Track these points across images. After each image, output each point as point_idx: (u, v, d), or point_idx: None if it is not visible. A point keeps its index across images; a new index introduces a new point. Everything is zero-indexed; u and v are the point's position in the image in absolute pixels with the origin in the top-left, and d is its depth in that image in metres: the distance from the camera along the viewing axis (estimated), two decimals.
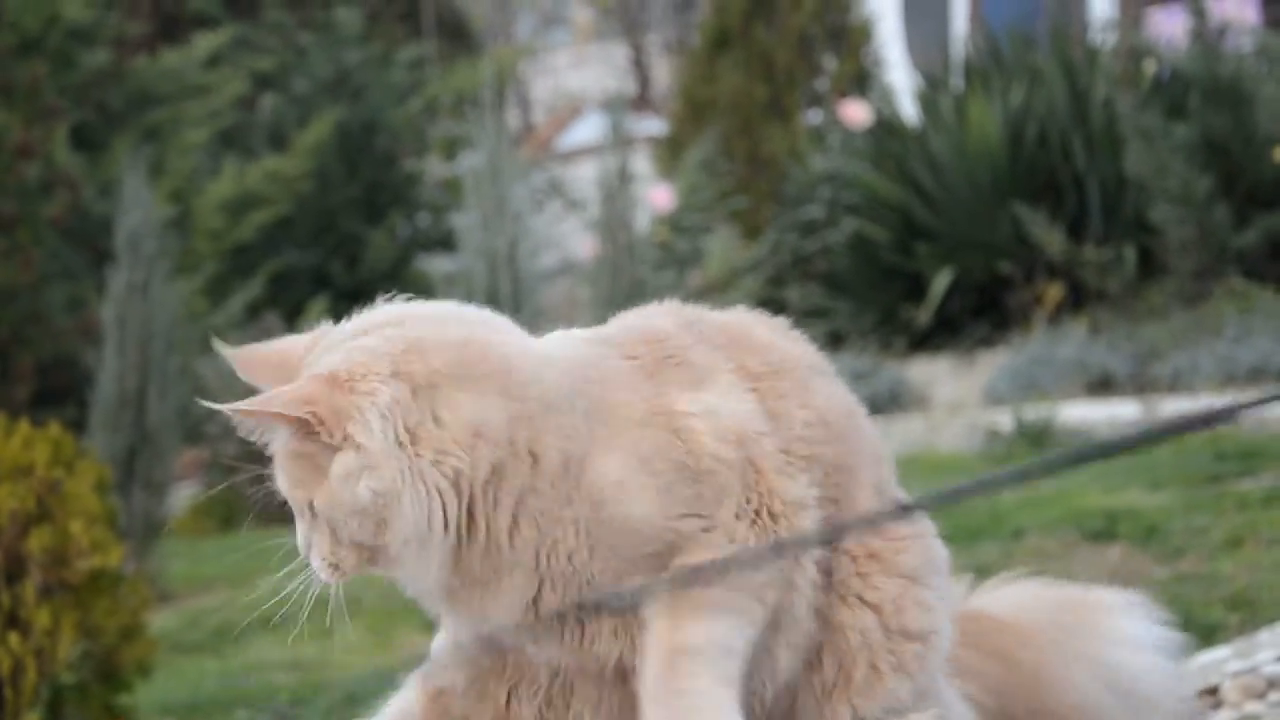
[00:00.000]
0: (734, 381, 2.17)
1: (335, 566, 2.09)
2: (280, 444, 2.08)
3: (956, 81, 10.54)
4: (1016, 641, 2.48)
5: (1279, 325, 8.03)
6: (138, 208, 6.73)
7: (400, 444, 2.03)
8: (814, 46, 12.01)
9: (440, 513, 2.04)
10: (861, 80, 11.74)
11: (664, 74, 19.91)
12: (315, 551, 2.09)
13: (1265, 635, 3.35)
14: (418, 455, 2.03)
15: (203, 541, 7.99)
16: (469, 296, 5.90)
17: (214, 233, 11.47)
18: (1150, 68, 9.82)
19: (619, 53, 21.47)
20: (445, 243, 12.66)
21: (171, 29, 14.02)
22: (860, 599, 2.19)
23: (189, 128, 11.75)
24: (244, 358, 2.16)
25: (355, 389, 2.04)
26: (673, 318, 2.24)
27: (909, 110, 10.91)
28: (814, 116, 11.80)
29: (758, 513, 2.12)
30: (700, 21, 13.37)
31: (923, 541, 2.27)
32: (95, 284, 8.59)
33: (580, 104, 20.14)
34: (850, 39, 12.12)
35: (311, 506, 2.06)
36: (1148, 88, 9.63)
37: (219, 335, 9.95)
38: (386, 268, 13.26)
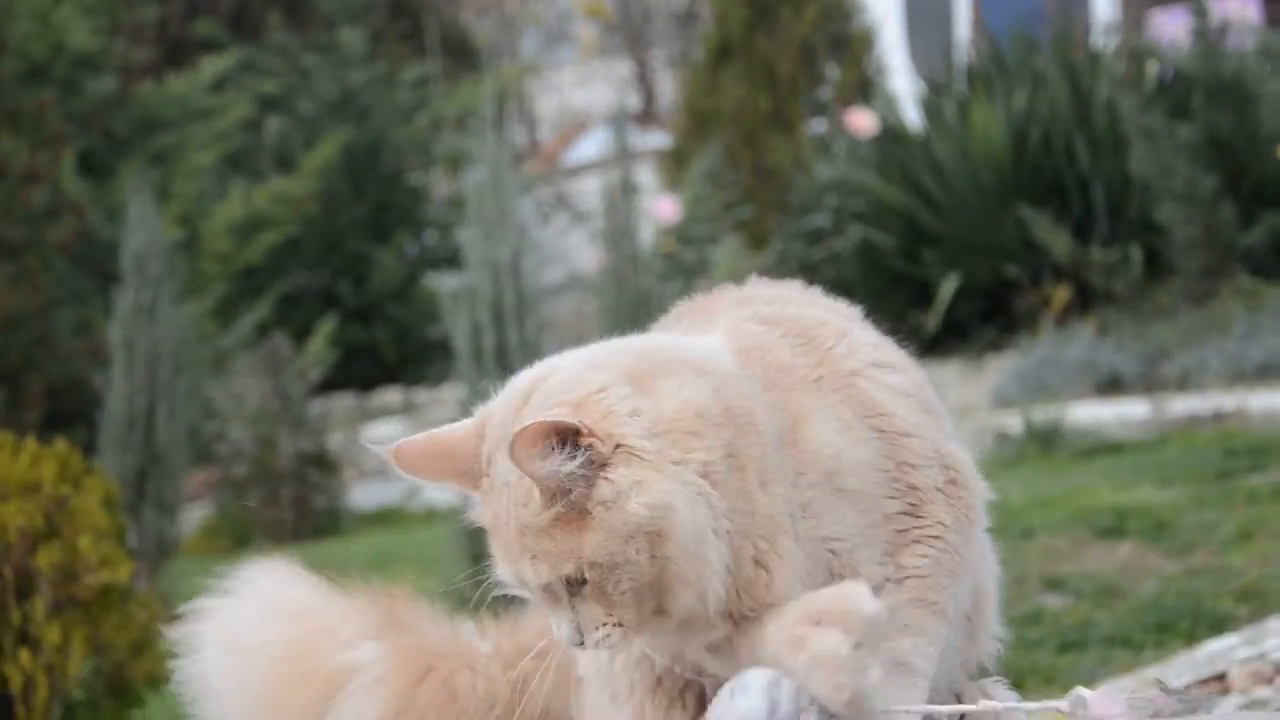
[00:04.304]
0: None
1: (618, 626, 1.91)
2: (530, 516, 1.89)
3: (960, 87, 10.54)
4: None
5: None
6: (143, 229, 6.76)
7: (653, 448, 1.89)
8: (816, 55, 12.02)
9: (706, 506, 1.90)
10: (865, 88, 11.74)
11: (668, 88, 19.94)
12: (588, 628, 1.92)
13: (1274, 623, 3.34)
14: (667, 455, 1.89)
15: (215, 561, 8.00)
16: (473, 309, 5.91)
17: (222, 255, 11.50)
18: (1153, 69, 9.82)
19: (623, 68, 21.52)
20: (452, 260, 12.68)
21: (176, 54, 14.07)
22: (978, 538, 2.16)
23: (195, 151, 11.79)
24: (406, 452, 1.96)
25: (592, 403, 1.89)
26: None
27: (913, 117, 10.91)
28: (818, 125, 11.80)
29: (950, 483, 2.07)
30: (702, 34, 13.39)
31: None
32: (103, 308, 8.62)
33: (586, 120, 20.17)
34: (852, 47, 12.13)
35: (575, 576, 1.89)
36: (1151, 89, 9.63)
37: (228, 356, 9.89)
38: (395, 286, 13.28)
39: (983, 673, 2.23)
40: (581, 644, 1.93)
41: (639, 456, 1.88)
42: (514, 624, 2.35)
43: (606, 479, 1.87)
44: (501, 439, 1.92)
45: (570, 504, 1.87)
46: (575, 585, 1.91)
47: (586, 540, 1.87)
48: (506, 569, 1.94)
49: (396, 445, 1.98)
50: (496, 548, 1.96)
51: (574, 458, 1.86)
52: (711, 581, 1.92)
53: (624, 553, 1.87)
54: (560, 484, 1.87)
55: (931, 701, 2.03)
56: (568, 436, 1.86)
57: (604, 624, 1.91)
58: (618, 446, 1.88)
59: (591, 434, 1.87)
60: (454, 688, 2.24)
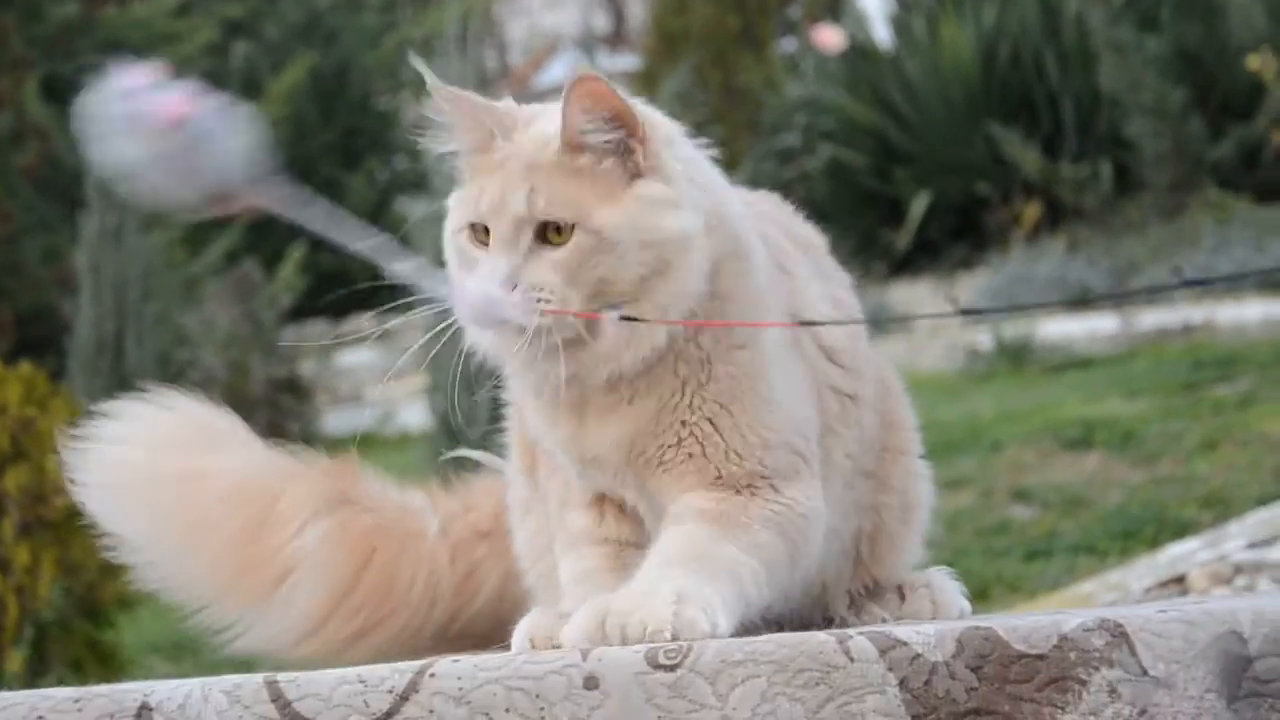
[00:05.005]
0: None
1: (547, 303, 1.85)
2: (551, 153, 1.89)
3: (929, 3, 10.49)
4: None
5: (1255, 234, 8.04)
6: None
7: (696, 185, 1.93)
8: None
9: (704, 270, 1.90)
10: (834, 6, 11.68)
11: (638, 9, 19.81)
12: (527, 284, 1.86)
13: (1234, 527, 3.38)
14: (695, 180, 1.93)
15: None
16: (440, 229, 5.88)
17: None
18: None
19: None
20: (422, 185, 12.63)
21: None
22: (886, 484, 2.17)
23: None
24: (453, 95, 1.96)
25: (655, 117, 1.94)
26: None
27: (883, 34, 10.87)
28: (788, 45, 11.75)
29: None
30: None
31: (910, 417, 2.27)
32: (71, 235, 8.58)
33: (556, 43, 20.05)
34: None
35: (562, 227, 1.86)
36: (1120, 2, 9.61)
37: (198, 284, 9.82)
38: (366, 211, 13.22)
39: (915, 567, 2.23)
40: (505, 293, 1.86)
41: (678, 180, 1.91)
42: (465, 498, 2.36)
43: (649, 184, 1.89)
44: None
45: (600, 168, 1.88)
46: (548, 239, 1.88)
47: (607, 214, 1.87)
48: (487, 197, 1.89)
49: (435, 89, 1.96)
50: (481, 182, 1.92)
51: (619, 129, 1.88)
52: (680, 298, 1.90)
53: (626, 255, 1.86)
54: (597, 144, 1.88)
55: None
56: (622, 116, 1.88)
57: (544, 289, 1.86)
58: (655, 163, 1.90)
59: (641, 137, 1.89)
60: (392, 577, 2.27)
